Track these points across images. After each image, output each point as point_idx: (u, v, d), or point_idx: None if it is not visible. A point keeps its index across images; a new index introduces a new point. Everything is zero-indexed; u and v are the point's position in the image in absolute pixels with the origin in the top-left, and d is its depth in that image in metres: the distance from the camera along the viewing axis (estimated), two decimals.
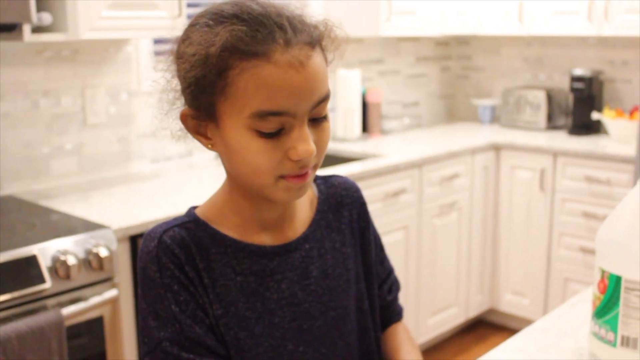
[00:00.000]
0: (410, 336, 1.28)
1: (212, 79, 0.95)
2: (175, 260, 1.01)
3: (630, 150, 3.32)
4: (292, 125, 0.96)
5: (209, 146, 1.02)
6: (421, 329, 3.41)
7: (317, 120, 0.99)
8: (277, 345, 1.04)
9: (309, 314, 1.07)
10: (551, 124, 4.00)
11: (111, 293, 2.14)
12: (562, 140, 3.68)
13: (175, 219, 1.07)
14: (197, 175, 2.97)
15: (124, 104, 2.95)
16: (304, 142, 0.96)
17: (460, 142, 3.64)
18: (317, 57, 0.97)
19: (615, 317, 1.33)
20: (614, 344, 1.34)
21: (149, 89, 3.00)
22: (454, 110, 4.64)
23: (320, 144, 1.00)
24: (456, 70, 4.60)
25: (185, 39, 0.99)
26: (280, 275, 1.06)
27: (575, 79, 3.78)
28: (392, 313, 1.28)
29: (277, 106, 0.94)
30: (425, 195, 3.35)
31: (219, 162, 3.18)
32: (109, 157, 2.92)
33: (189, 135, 1.04)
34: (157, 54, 3.06)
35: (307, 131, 0.97)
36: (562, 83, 4.07)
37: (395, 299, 1.30)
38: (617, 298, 1.32)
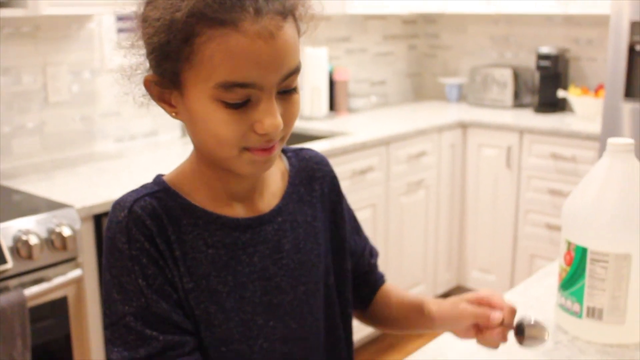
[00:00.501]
0: None
1: (177, 46, 0.91)
2: (146, 232, 0.97)
3: (595, 128, 3.35)
4: (259, 98, 0.93)
5: (173, 114, 0.99)
6: None
7: (287, 92, 0.96)
8: (247, 320, 1.02)
9: (280, 288, 1.05)
10: (517, 102, 4.02)
11: (75, 273, 2.10)
12: (529, 118, 3.70)
13: (144, 186, 1.03)
14: (163, 154, 2.93)
15: (87, 82, 2.90)
16: (270, 115, 0.93)
17: (428, 120, 3.64)
18: (288, 28, 0.93)
19: (581, 289, 1.34)
20: (579, 315, 1.35)
21: (113, 66, 2.95)
22: (421, 88, 4.64)
23: (289, 116, 0.97)
24: (423, 48, 4.59)
25: (150, 1, 0.95)
26: (253, 249, 1.04)
27: (541, 57, 3.80)
28: (377, 277, 1.28)
29: (243, 77, 0.90)
30: (393, 173, 3.35)
31: (185, 140, 3.15)
32: (72, 136, 2.87)
33: (152, 102, 1.01)
34: (121, 31, 3.01)
35: (274, 104, 0.94)
36: (529, 61, 4.08)
37: (376, 264, 1.29)
38: (583, 270, 1.32)
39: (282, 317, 1.05)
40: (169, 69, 0.94)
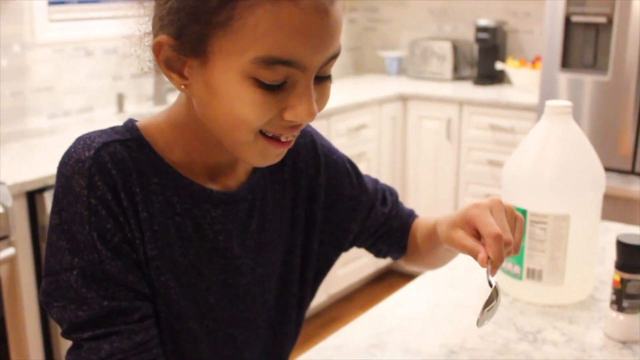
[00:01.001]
0: None
1: (213, 7, 0.79)
2: (111, 182, 0.86)
3: (532, 99, 3.39)
4: (297, 80, 0.82)
5: (182, 86, 0.86)
6: (332, 280, 3.42)
7: (322, 78, 0.86)
8: (199, 297, 0.95)
9: (239, 270, 0.99)
10: (457, 75, 4.04)
11: (8, 252, 2.04)
12: (468, 90, 3.72)
13: (115, 129, 0.92)
14: None
15: (17, 56, 2.80)
16: (306, 102, 0.83)
17: (368, 93, 3.63)
18: (339, 4, 0.83)
19: (521, 251, 1.35)
20: (519, 277, 1.36)
21: (45, 40, 2.85)
22: (361, 62, 4.62)
23: (320, 106, 0.87)
24: (363, 22, 4.58)
25: None
26: (221, 227, 0.96)
27: (479, 29, 3.81)
28: (402, 220, 1.19)
29: (289, 54, 0.79)
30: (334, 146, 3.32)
31: (121, 116, 3.07)
32: (2, 112, 2.77)
33: (155, 70, 0.91)
34: (52, 3, 2.91)
35: (312, 90, 0.84)
36: (467, 34, 4.10)
37: (395, 206, 1.19)
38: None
39: (231, 298, 0.99)
40: (194, 33, 0.81)
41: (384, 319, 1.32)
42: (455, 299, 1.40)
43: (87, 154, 0.86)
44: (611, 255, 1.23)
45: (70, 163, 0.86)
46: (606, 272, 1.47)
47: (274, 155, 0.89)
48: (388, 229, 1.18)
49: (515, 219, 0.98)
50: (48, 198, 2.18)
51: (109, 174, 0.86)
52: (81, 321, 0.86)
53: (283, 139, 0.87)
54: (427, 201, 3.73)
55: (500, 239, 0.92)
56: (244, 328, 1.01)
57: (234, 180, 0.99)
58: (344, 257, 3.55)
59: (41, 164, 2.31)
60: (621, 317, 1.23)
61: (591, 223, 1.36)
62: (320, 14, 0.79)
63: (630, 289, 1.21)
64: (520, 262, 1.35)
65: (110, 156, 0.87)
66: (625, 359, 1.18)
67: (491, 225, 0.94)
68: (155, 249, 0.90)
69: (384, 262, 3.79)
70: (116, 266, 0.86)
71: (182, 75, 0.86)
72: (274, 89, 0.81)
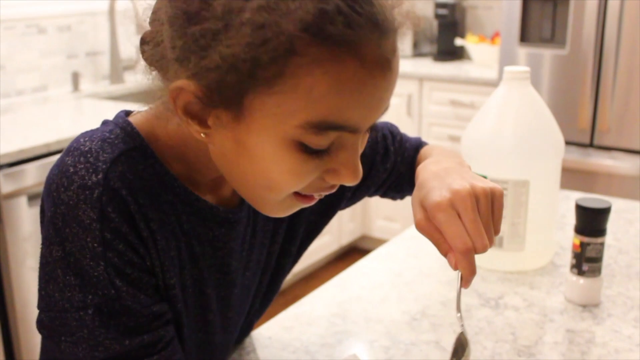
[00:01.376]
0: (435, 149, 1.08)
1: (263, 62, 0.66)
2: (126, 211, 0.74)
3: (492, 74, 3.40)
4: (344, 142, 0.72)
5: (201, 135, 0.73)
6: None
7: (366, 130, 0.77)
8: (199, 316, 0.89)
9: (232, 282, 0.92)
10: (417, 51, 4.04)
11: None
12: (428, 66, 3.72)
13: (112, 133, 0.78)
14: (53, 110, 2.79)
15: None
16: (353, 167, 0.74)
17: None
18: (398, 51, 0.72)
19: None
20: None
21: None
22: None
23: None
24: None
25: None
26: (222, 244, 0.88)
27: (438, 5, 3.81)
28: (406, 163, 1.11)
29: (346, 119, 0.68)
30: None
31: (77, 95, 3.01)
32: None
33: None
34: None
35: (359, 153, 0.75)
36: (427, 10, 4.09)
37: (400, 151, 1.10)
38: None
39: (223, 310, 0.94)
40: (232, 86, 0.68)
41: (345, 289, 1.31)
42: (417, 268, 1.39)
43: (94, 178, 0.73)
44: (571, 222, 1.23)
45: (73, 189, 0.73)
46: (567, 238, 1.48)
47: (295, 208, 0.80)
48: (395, 178, 1.13)
49: (492, 202, 0.82)
50: (3, 178, 2.12)
51: (123, 203, 0.74)
52: (101, 357, 0.75)
53: (316, 196, 0.79)
54: None
55: (470, 252, 0.78)
56: (227, 330, 0.97)
57: (228, 189, 0.89)
58: None
59: None
60: (581, 280, 1.23)
61: (551, 189, 1.36)
62: (383, 69, 0.69)
63: (590, 253, 1.21)
64: None
65: (121, 179, 0.74)
66: (586, 322, 1.18)
67: (459, 236, 0.78)
68: (173, 277, 0.81)
69: (346, 240, 3.79)
70: (138, 301, 0.76)
71: (204, 124, 0.73)
72: (318, 153, 0.71)
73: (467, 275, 0.80)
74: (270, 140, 0.70)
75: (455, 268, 0.79)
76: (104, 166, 0.74)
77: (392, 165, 1.11)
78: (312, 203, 0.79)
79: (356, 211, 3.81)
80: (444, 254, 0.81)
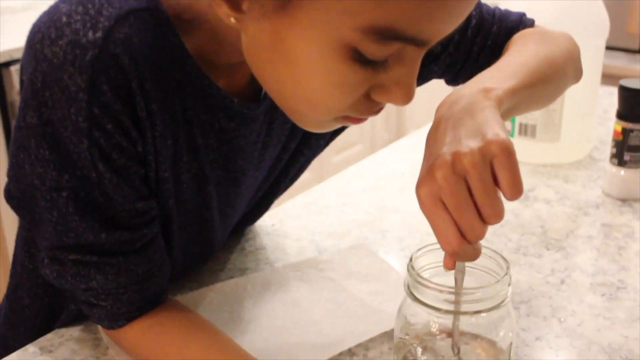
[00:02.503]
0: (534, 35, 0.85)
1: None
2: (123, 85, 0.62)
3: None
4: (404, 57, 0.60)
5: (231, 20, 0.60)
6: (326, 167, 3.32)
7: None
8: (195, 211, 0.78)
9: (236, 181, 0.81)
10: None
11: None
12: None
13: None
14: None
15: None
16: (407, 88, 0.61)
17: None
18: None
19: None
20: (511, 134, 1.24)
21: None
22: None
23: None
24: None
25: None
26: (228, 139, 0.76)
27: None
28: (500, 35, 0.87)
29: (419, 29, 0.56)
30: None
31: None
32: None
33: None
34: None
35: (417, 71, 0.62)
36: None
37: (494, 23, 0.87)
38: None
39: (223, 208, 0.83)
40: None
41: (361, 178, 1.21)
42: None
43: (90, 36, 0.60)
44: (614, 118, 1.11)
45: (62, 44, 0.60)
46: (608, 133, 1.35)
47: (339, 125, 0.68)
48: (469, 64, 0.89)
49: (494, 167, 0.57)
50: (15, 73, 2.05)
51: (122, 74, 0.61)
52: (66, 244, 0.67)
53: (358, 117, 0.66)
54: None
55: (456, 254, 0.59)
56: (224, 226, 0.87)
57: (246, 78, 0.76)
58: (338, 144, 3.45)
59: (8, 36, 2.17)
60: (622, 171, 1.11)
61: (592, 72, 1.23)
62: None
63: (633, 140, 1.08)
64: (512, 119, 1.23)
65: (125, 44, 0.61)
66: (624, 217, 1.07)
67: (442, 233, 0.58)
68: (167, 169, 0.70)
69: (380, 148, 3.68)
70: (120, 192, 0.66)
71: (236, 8, 0.59)
72: (372, 65, 0.58)
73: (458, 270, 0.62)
74: (318, 42, 0.57)
75: (445, 267, 0.61)
76: (106, 23, 0.61)
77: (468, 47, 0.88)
78: (360, 123, 0.67)
79: (390, 119, 3.69)
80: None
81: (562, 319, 0.83)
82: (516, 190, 0.57)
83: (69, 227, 0.66)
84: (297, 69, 0.60)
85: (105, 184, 0.64)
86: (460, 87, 0.68)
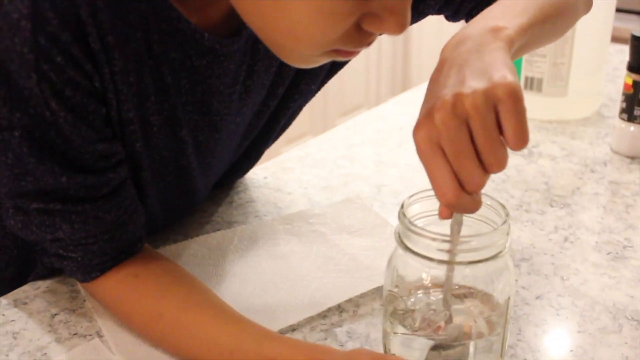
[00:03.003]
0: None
1: None
2: (70, 11, 0.56)
3: None
4: None
5: None
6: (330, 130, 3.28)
7: None
8: (169, 157, 0.73)
9: (214, 126, 0.76)
10: None
11: None
12: None
13: None
14: None
15: None
16: (401, 15, 0.55)
17: None
18: None
19: (519, 60, 1.17)
20: None
21: None
22: None
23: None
24: None
25: None
26: (201, 79, 0.70)
27: None
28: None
29: None
30: None
31: None
32: None
33: None
34: None
35: None
36: None
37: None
38: None
39: (200, 156, 0.78)
40: None
41: (358, 131, 1.16)
42: None
43: None
44: (624, 75, 1.05)
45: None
46: (617, 90, 1.29)
47: (329, 59, 0.62)
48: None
49: (499, 110, 0.52)
50: None
51: (70, 1, 0.56)
52: (26, 190, 0.62)
53: (347, 50, 0.60)
54: (430, 44, 3.53)
55: (452, 206, 0.53)
56: (205, 175, 0.82)
57: (221, 12, 0.68)
58: (342, 107, 3.39)
59: None
60: (631, 127, 1.06)
61: (601, 24, 1.17)
62: None
63: None
64: (517, 71, 1.17)
65: None
66: (633, 175, 1.02)
67: (438, 183, 0.53)
68: (131, 109, 0.65)
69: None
70: (79, 133, 0.61)
71: None
72: None
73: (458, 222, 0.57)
74: None
75: (441, 217, 0.56)
76: None
77: None
78: (351, 57, 0.62)
79: (395, 82, 3.63)
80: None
81: (564, 278, 0.79)
82: (521, 139, 0.52)
83: (26, 170, 0.61)
84: (285, 4, 0.54)
85: (60, 123, 0.59)
86: (467, 25, 0.63)
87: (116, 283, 0.69)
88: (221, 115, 0.76)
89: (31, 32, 0.55)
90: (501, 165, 0.52)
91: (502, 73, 0.53)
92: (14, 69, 0.57)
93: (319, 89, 0.88)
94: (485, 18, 0.63)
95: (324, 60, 0.61)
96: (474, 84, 0.53)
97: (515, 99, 0.51)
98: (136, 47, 0.62)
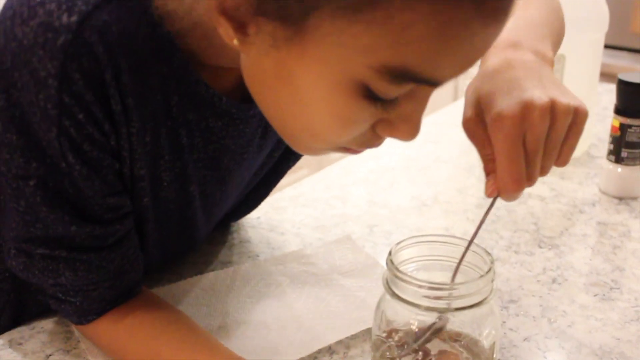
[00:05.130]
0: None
1: None
2: (96, 75, 0.58)
3: None
4: (415, 95, 0.56)
5: (234, 41, 0.54)
6: (325, 166, 3.30)
7: None
8: (176, 210, 0.75)
9: (222, 180, 0.78)
10: None
11: None
12: None
13: None
14: None
15: None
16: (414, 125, 0.58)
17: None
18: None
19: None
20: None
21: None
22: None
23: None
24: None
25: None
26: (216, 138, 0.72)
27: None
28: None
29: (435, 71, 0.51)
30: None
31: None
32: None
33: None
34: None
35: (425, 108, 0.59)
36: None
37: None
38: None
39: (207, 207, 0.80)
40: (296, 5, 0.49)
41: (350, 172, 1.18)
42: (434, 154, 1.25)
43: (64, 20, 0.56)
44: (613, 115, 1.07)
45: (33, 25, 0.56)
46: (606, 130, 1.32)
47: (335, 152, 0.64)
48: None
49: (571, 126, 0.61)
50: None
51: (95, 63, 0.57)
52: (34, 236, 0.64)
53: (357, 149, 0.63)
54: None
55: (519, 191, 0.60)
56: (208, 221, 0.84)
57: (233, 80, 0.70)
58: None
59: None
60: (619, 169, 1.08)
61: (589, 68, 1.20)
62: (498, 19, 0.51)
63: (630, 137, 1.05)
64: None
65: (102, 33, 0.57)
66: (621, 215, 1.04)
67: (515, 171, 0.59)
68: (144, 167, 0.67)
69: None
70: (91, 186, 0.63)
71: (241, 31, 0.53)
72: (381, 102, 0.54)
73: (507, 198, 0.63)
74: (328, 77, 0.52)
75: (490, 196, 0.62)
76: (83, 7, 0.56)
77: None
78: (357, 154, 0.65)
79: None
80: (487, 173, 0.63)
81: (552, 320, 0.80)
82: (568, 159, 0.63)
83: (37, 218, 0.62)
84: (301, 100, 0.55)
85: (75, 175, 0.61)
86: (504, 38, 0.67)
87: (112, 324, 0.70)
88: (229, 171, 0.77)
89: (57, 91, 0.57)
90: (547, 172, 0.62)
91: (579, 99, 0.61)
92: (35, 121, 0.59)
93: None
94: (516, 40, 0.67)
95: (331, 152, 0.63)
96: (567, 97, 0.60)
97: (583, 124, 0.61)
98: (155, 109, 0.64)
